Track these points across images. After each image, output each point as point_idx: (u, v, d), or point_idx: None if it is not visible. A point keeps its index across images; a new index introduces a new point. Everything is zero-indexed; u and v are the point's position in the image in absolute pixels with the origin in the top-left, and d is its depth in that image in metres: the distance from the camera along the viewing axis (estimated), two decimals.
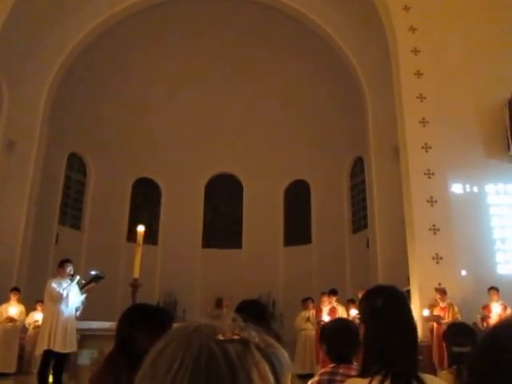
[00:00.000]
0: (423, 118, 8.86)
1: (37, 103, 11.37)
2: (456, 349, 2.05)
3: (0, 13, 9.17)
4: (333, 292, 8.89)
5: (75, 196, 13.85)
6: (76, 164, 13.89)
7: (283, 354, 0.56)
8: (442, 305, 7.53)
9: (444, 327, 6.94)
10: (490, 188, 8.78)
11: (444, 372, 1.98)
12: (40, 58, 11.12)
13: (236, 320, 0.57)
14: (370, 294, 1.58)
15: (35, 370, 7.05)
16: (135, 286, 5.55)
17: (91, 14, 11.52)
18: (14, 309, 8.89)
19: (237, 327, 0.55)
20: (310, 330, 8.96)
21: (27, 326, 9.15)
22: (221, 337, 0.52)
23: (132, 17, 11.99)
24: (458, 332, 2.28)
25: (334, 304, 8.67)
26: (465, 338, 2.14)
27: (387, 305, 1.50)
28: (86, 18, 11.50)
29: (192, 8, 12.41)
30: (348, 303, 9.01)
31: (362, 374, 1.45)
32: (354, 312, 8.10)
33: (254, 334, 0.54)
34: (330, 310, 8.46)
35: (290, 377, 0.57)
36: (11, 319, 8.81)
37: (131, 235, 12.15)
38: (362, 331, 1.54)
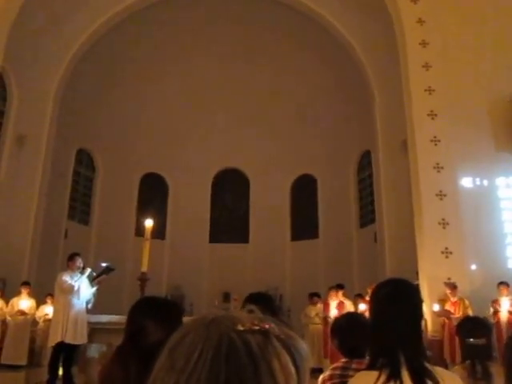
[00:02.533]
0: (432, 111, 8.77)
1: (46, 99, 11.44)
2: (471, 341, 2.02)
3: (10, 9, 9.20)
4: (339, 286, 8.87)
5: (84, 191, 13.95)
6: (84, 159, 13.98)
7: (303, 346, 0.55)
8: (452, 299, 7.47)
9: (454, 322, 6.90)
10: (500, 181, 8.68)
11: (457, 367, 1.97)
12: (49, 55, 11.17)
13: (253, 311, 0.56)
14: (377, 287, 1.58)
15: (46, 362, 7.14)
16: (143, 279, 5.58)
17: (100, 10, 11.54)
18: (24, 302, 9.00)
19: (256, 318, 0.54)
20: (318, 325, 8.96)
21: (38, 319, 9.26)
22: (240, 327, 0.51)
23: (142, 11, 11.98)
24: (472, 326, 2.24)
25: (341, 298, 8.65)
26: (479, 332, 2.11)
27: (391, 296, 1.49)
28: (95, 13, 11.52)
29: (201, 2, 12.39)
30: (356, 298, 8.99)
31: (370, 366, 1.44)
32: (362, 306, 8.08)
33: (273, 326, 0.54)
34: (337, 305, 8.45)
35: (309, 369, 0.56)
36: (22, 313, 8.92)
37: (139, 230, 12.21)
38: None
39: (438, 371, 1.39)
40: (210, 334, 0.51)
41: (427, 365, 1.39)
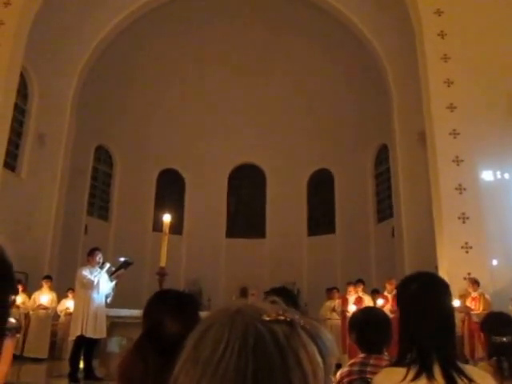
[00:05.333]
0: (451, 104, 8.59)
1: (65, 97, 11.64)
2: (497, 338, 1.97)
3: (30, 10, 9.36)
4: (359, 281, 8.81)
5: (102, 187, 14.16)
6: (103, 156, 14.18)
7: (328, 336, 0.55)
8: (473, 295, 7.35)
9: (474, 318, 6.79)
10: None
11: (482, 364, 1.92)
12: (68, 53, 11.35)
13: (277, 302, 0.56)
14: (406, 280, 1.53)
15: (67, 355, 7.30)
16: (162, 274, 5.64)
17: (119, 7, 11.65)
18: (45, 296, 9.21)
19: (280, 309, 0.53)
20: (336, 320, 8.93)
21: (59, 313, 9.47)
22: (266, 317, 0.51)
23: (160, 7, 12.04)
24: (497, 322, 2.18)
25: (360, 294, 8.60)
26: (506, 329, 2.05)
27: (422, 290, 1.44)
28: (114, 10, 11.63)
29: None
30: (373, 294, 8.92)
31: (398, 362, 1.40)
32: (380, 302, 8.02)
33: (298, 316, 0.53)
34: (356, 300, 8.40)
35: (335, 360, 0.56)
36: (44, 307, 9.13)
37: (157, 225, 12.35)
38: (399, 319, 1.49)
39: (469, 369, 1.35)
40: (235, 324, 0.50)
41: (458, 363, 1.34)
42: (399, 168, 11.03)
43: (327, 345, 0.53)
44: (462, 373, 1.31)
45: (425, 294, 1.43)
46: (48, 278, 9.43)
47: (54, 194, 11.27)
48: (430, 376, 1.30)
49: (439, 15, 9.03)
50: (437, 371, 1.31)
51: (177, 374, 0.52)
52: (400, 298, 1.53)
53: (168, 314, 1.58)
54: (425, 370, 1.31)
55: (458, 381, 1.29)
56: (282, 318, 0.51)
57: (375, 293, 9.01)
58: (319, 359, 0.50)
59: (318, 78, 13.52)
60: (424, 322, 1.38)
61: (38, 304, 9.13)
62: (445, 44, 8.89)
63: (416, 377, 1.30)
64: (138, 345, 1.75)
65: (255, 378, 0.47)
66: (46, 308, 9.17)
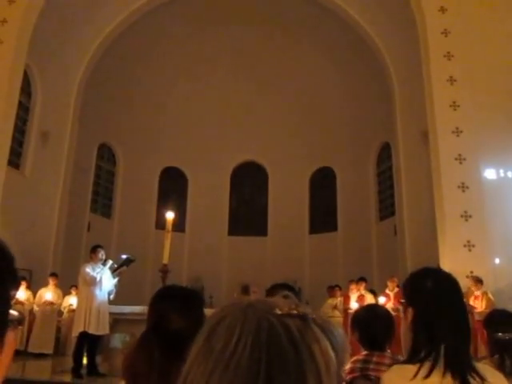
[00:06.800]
0: (454, 102, 8.57)
1: (69, 95, 11.67)
2: (500, 336, 1.97)
3: (34, 5, 9.37)
4: (361, 279, 8.82)
5: (105, 185, 14.21)
6: (106, 154, 14.22)
7: (340, 331, 0.55)
8: (476, 293, 7.35)
9: (476, 317, 6.78)
10: None
11: (485, 361, 1.92)
12: (71, 51, 11.37)
13: (289, 297, 0.56)
14: (417, 276, 1.49)
15: (70, 351, 7.34)
16: (165, 271, 5.66)
17: (122, 4, 11.64)
18: (50, 293, 9.27)
19: (292, 303, 0.53)
20: (338, 318, 8.94)
21: (62, 309, 9.53)
22: (278, 311, 0.51)
23: (162, 6, 12.04)
24: (500, 319, 2.18)
25: (363, 292, 8.60)
26: (508, 326, 2.06)
27: (438, 286, 1.42)
28: (117, 8, 11.63)
29: None
30: (372, 293, 8.91)
31: (409, 360, 1.38)
32: (382, 300, 8.02)
33: (310, 311, 0.53)
34: (358, 298, 8.41)
35: (348, 354, 0.56)
36: (50, 302, 9.19)
37: (159, 223, 12.38)
38: (408, 315, 1.46)
39: (481, 367, 1.34)
40: (247, 318, 0.50)
41: (472, 362, 1.34)
42: (402, 166, 11.02)
43: (339, 339, 0.53)
44: (474, 371, 1.30)
45: (441, 291, 1.42)
46: (54, 275, 9.50)
47: (58, 191, 11.32)
48: (443, 374, 1.29)
49: (443, 13, 9.00)
50: (449, 369, 1.30)
51: (188, 367, 0.51)
52: (413, 296, 1.48)
53: (174, 309, 1.59)
54: (437, 367, 1.30)
55: (471, 379, 1.28)
56: (295, 312, 0.51)
57: (372, 293, 8.98)
58: (332, 353, 0.50)
59: (320, 77, 13.50)
60: (440, 320, 1.37)
61: (43, 300, 9.19)
62: (448, 42, 8.86)
63: (428, 374, 1.29)
64: (144, 339, 1.77)
65: (269, 372, 0.47)
66: (51, 304, 9.23)
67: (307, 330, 0.50)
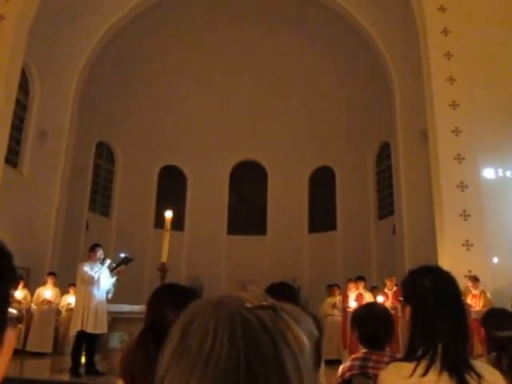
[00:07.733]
0: (453, 101, 8.57)
1: (67, 93, 11.62)
2: (498, 333, 1.97)
3: (31, 6, 9.34)
4: (360, 278, 8.83)
5: (104, 184, 14.18)
6: (104, 152, 14.19)
7: (307, 318, 0.57)
8: (473, 292, 7.36)
9: (473, 316, 6.79)
10: None
11: (482, 359, 1.92)
12: (69, 49, 11.33)
13: (255, 291, 0.57)
14: (415, 274, 1.48)
15: (69, 350, 7.33)
16: (163, 270, 5.66)
17: (120, 2, 11.61)
18: (49, 292, 9.25)
19: (260, 295, 0.55)
20: (337, 316, 8.95)
21: (60, 308, 9.51)
22: (249, 305, 0.52)
23: (162, 4, 12.01)
24: (498, 318, 2.18)
25: (361, 290, 8.62)
26: (506, 324, 2.06)
27: (437, 285, 1.41)
28: (115, 6, 11.59)
29: None
30: (372, 290, 8.94)
31: (407, 358, 1.37)
32: (380, 299, 8.03)
33: (277, 302, 0.55)
34: (356, 297, 8.42)
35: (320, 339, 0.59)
36: (48, 302, 9.17)
37: (158, 222, 12.37)
38: (406, 313, 1.45)
39: (479, 365, 1.33)
40: (219, 314, 0.50)
41: (470, 360, 1.33)
42: (401, 165, 11.02)
43: (306, 324, 0.55)
44: (471, 369, 1.29)
45: (439, 290, 1.41)
46: (52, 274, 9.49)
47: (56, 190, 11.29)
48: (440, 372, 1.28)
49: (443, 12, 9.00)
50: (446, 367, 1.29)
51: (165, 368, 0.51)
52: (411, 294, 1.48)
53: (171, 307, 1.58)
54: (434, 365, 1.29)
55: (468, 377, 1.27)
56: (265, 303, 0.53)
57: (374, 289, 9.03)
58: (304, 337, 0.52)
59: (320, 76, 13.49)
60: (438, 319, 1.36)
61: (42, 299, 9.18)
62: (448, 41, 8.87)
63: (425, 372, 1.28)
64: (141, 338, 1.75)
65: (248, 364, 0.47)
66: (50, 302, 9.22)
67: (279, 319, 0.52)
